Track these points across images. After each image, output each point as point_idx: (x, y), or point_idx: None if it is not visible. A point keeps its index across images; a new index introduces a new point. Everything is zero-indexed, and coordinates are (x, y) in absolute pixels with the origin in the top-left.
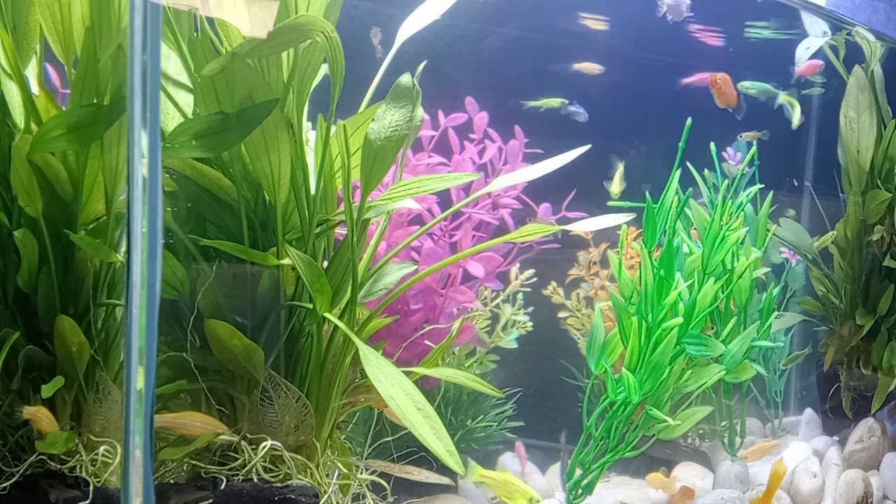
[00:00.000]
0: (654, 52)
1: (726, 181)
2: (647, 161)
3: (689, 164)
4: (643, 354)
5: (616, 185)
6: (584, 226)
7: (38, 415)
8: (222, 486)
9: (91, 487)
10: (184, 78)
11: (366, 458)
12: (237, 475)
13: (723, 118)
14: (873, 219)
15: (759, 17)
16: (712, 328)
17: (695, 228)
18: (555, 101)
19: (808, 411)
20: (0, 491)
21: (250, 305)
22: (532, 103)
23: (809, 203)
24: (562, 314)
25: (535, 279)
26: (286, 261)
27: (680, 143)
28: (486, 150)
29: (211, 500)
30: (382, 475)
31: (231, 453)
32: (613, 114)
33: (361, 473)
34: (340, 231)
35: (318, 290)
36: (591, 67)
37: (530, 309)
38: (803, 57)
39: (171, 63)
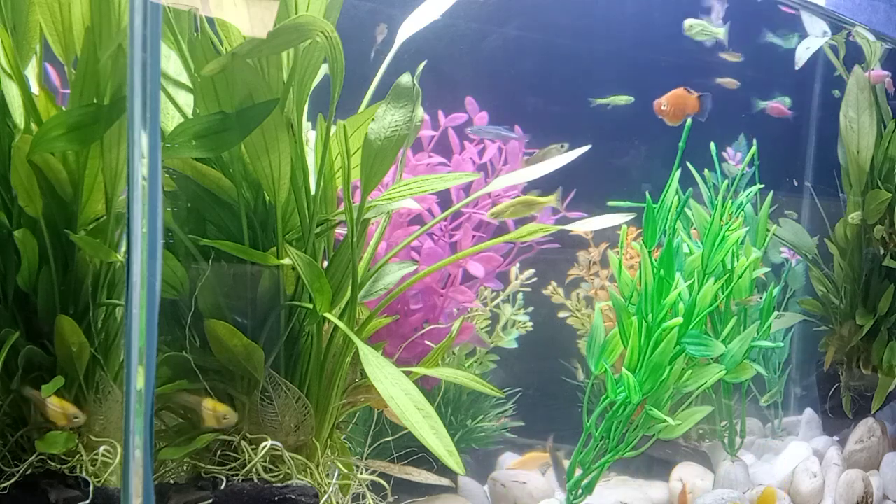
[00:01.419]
0: (655, 52)
1: (726, 181)
2: (647, 161)
3: (689, 164)
4: (643, 354)
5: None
6: (584, 226)
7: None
8: (222, 486)
9: (91, 487)
10: (184, 78)
11: (366, 458)
12: (237, 475)
13: (723, 118)
14: (873, 219)
15: (760, 17)
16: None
17: (695, 228)
18: (622, 99)
19: (808, 411)
20: (0, 491)
21: (250, 305)
22: (599, 101)
23: (809, 203)
24: (562, 314)
25: (535, 279)
26: (286, 261)
27: (680, 143)
28: (486, 150)
29: (211, 500)
30: (382, 475)
31: (231, 453)
32: (613, 113)
33: (361, 473)
34: (340, 231)
35: (318, 290)
36: (729, 83)
37: (530, 309)
38: (803, 57)
39: (171, 63)
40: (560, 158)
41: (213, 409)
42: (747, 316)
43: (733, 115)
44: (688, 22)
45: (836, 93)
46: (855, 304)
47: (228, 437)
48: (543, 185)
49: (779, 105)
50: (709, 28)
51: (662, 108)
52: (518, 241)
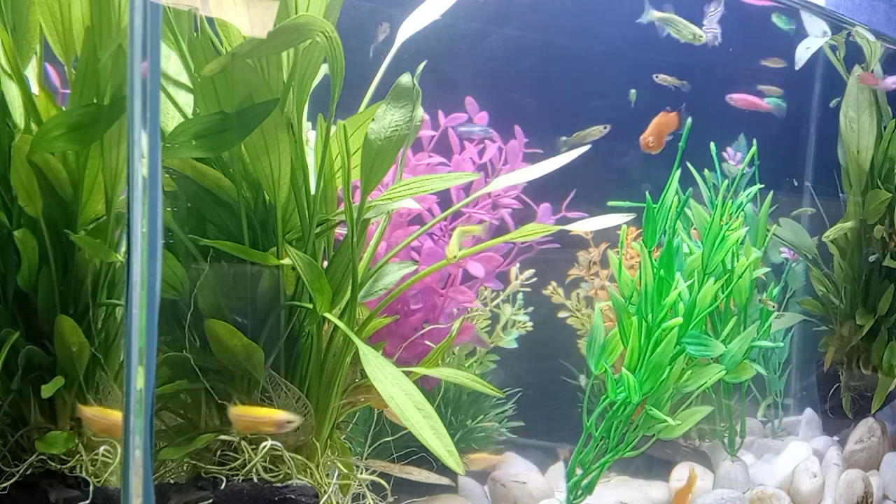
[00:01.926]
0: (654, 51)
1: (726, 181)
2: (647, 161)
3: (689, 164)
4: (643, 354)
5: None
6: (584, 226)
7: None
8: (222, 486)
9: (91, 487)
10: (184, 78)
11: (366, 458)
12: (237, 475)
13: (723, 118)
14: (873, 219)
15: (759, 17)
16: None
17: (695, 228)
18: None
19: (808, 411)
20: (0, 491)
21: (250, 305)
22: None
23: (809, 203)
24: (562, 314)
25: (535, 279)
26: (286, 261)
27: (680, 143)
28: (486, 150)
29: (211, 500)
30: (382, 475)
31: (231, 453)
32: (613, 114)
33: (361, 473)
34: (340, 231)
35: (318, 290)
36: (771, 90)
37: (530, 309)
38: (803, 57)
39: (171, 63)
40: (560, 158)
41: (276, 418)
42: (747, 316)
43: (733, 115)
44: (656, 14)
45: (835, 102)
46: (855, 304)
47: (228, 438)
48: (544, 185)
49: (745, 97)
50: (678, 27)
51: (650, 142)
52: (518, 241)
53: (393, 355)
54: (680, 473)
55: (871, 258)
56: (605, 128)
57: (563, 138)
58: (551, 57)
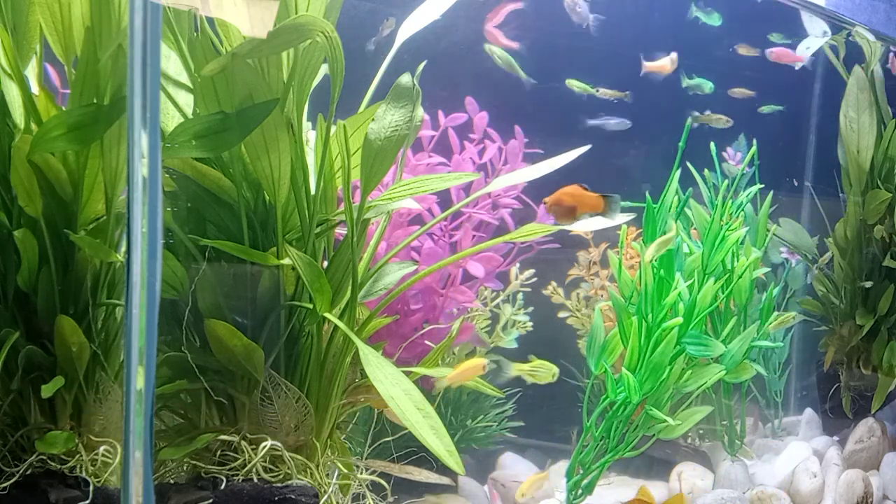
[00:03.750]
0: (653, 51)
1: (726, 181)
2: (647, 161)
3: (689, 164)
4: (643, 354)
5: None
6: (584, 226)
7: None
8: (222, 486)
9: (91, 487)
10: (184, 78)
11: (366, 458)
12: (237, 475)
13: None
14: (873, 219)
15: (760, 18)
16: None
17: (695, 228)
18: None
19: (808, 411)
20: (0, 491)
21: (250, 305)
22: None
23: (809, 203)
24: (562, 314)
25: (535, 279)
26: (286, 261)
27: (680, 143)
28: (486, 150)
29: (211, 500)
30: (382, 475)
31: (231, 453)
32: (613, 114)
33: (361, 473)
34: (340, 231)
35: (318, 290)
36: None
37: (530, 309)
38: (804, 57)
39: (171, 63)
40: (560, 158)
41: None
42: (747, 316)
43: (734, 116)
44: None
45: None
46: (855, 304)
47: (228, 438)
48: (544, 185)
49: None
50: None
51: (559, 204)
52: (518, 241)
53: (393, 355)
54: (679, 474)
55: (868, 284)
56: (727, 121)
57: (695, 113)
58: (551, 56)
